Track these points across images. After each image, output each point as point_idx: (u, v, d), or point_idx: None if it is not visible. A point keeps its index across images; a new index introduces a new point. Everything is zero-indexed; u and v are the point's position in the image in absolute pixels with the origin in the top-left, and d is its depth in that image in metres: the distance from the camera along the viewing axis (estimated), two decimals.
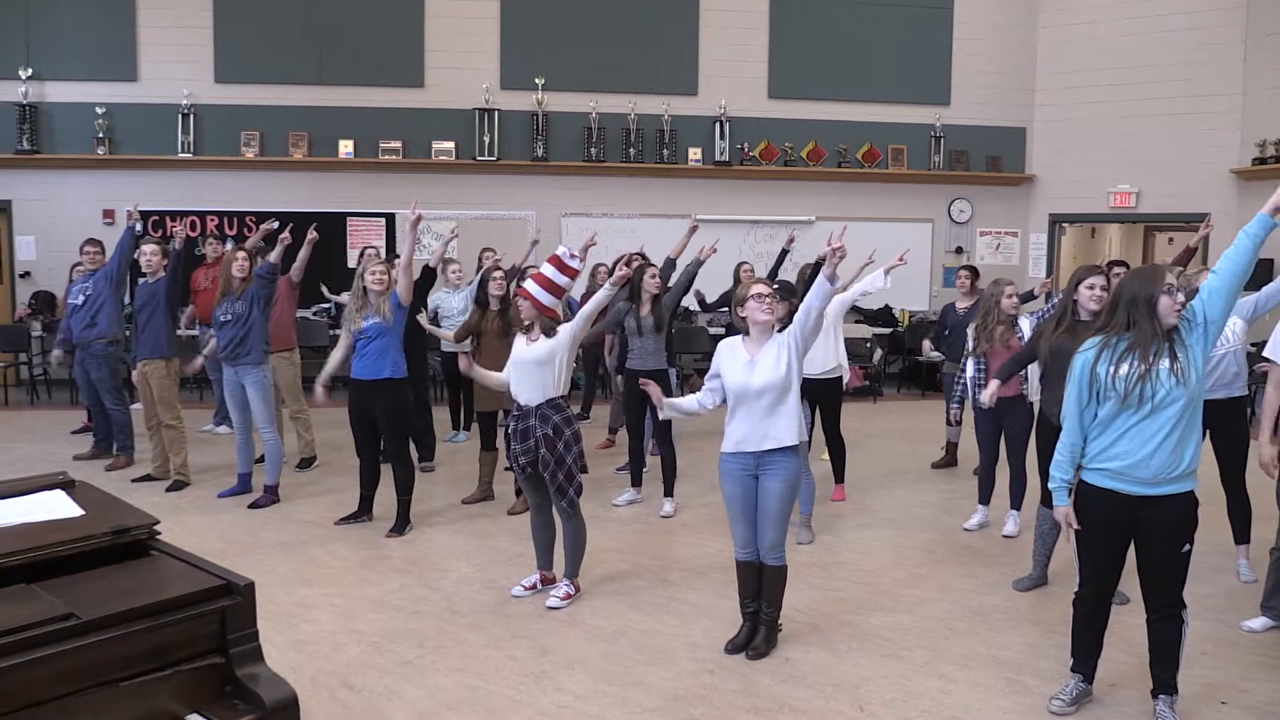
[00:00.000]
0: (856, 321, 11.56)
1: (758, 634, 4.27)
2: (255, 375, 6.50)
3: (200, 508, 6.45)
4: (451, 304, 8.18)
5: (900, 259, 6.65)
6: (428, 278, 7.45)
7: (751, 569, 4.27)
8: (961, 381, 5.93)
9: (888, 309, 11.78)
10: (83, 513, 2.60)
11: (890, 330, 11.58)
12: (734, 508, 4.22)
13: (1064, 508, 3.63)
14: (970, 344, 5.89)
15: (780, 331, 4.15)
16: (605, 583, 5.12)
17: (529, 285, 4.79)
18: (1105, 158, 11.64)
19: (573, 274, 4.85)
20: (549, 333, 4.73)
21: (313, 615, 4.67)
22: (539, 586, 4.94)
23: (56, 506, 2.61)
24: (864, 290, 6.44)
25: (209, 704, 2.30)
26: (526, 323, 4.78)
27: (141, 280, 7.11)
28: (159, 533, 2.61)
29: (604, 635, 4.46)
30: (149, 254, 6.99)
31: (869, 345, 11.06)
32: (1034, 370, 5.63)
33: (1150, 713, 3.63)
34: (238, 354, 6.44)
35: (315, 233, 6.86)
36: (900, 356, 11.64)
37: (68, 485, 2.77)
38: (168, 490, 6.82)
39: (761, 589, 4.26)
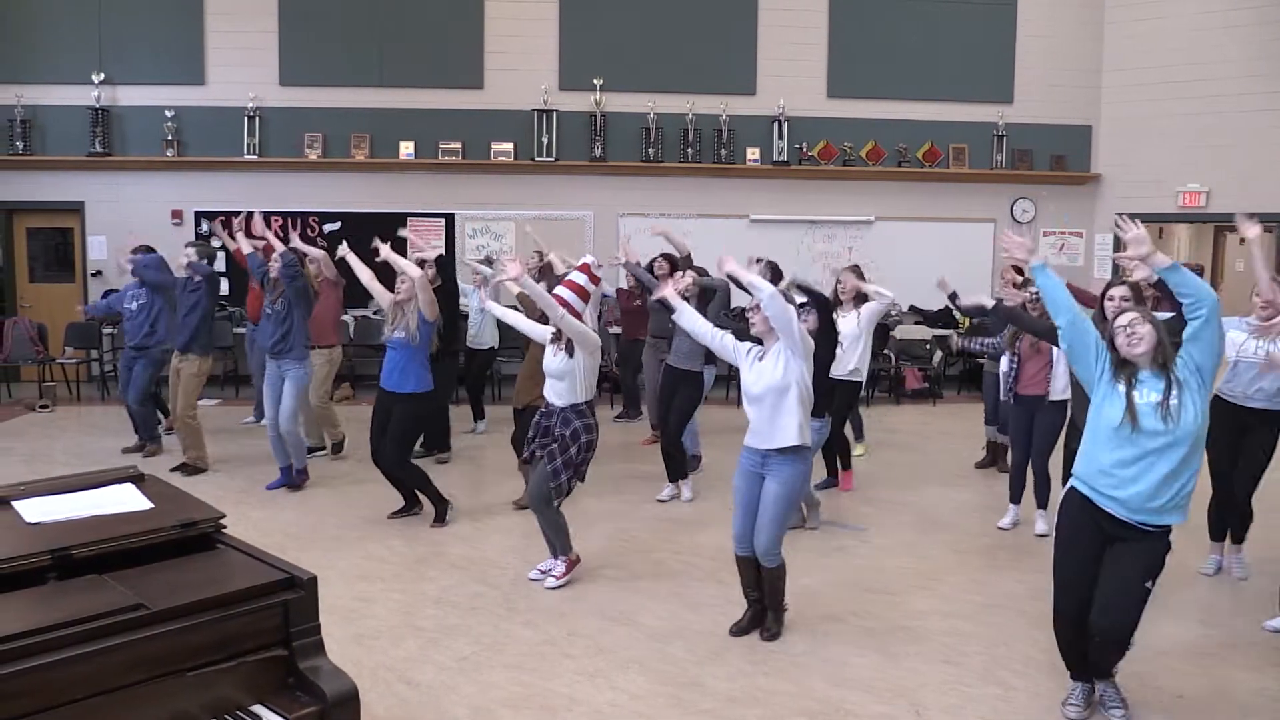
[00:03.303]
0: (916, 323, 11.42)
1: (765, 617, 4.45)
2: (297, 371, 6.74)
3: (263, 502, 6.58)
4: (473, 302, 8.31)
5: (942, 283, 6.77)
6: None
7: (748, 563, 4.46)
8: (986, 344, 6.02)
9: (948, 310, 11.60)
10: (151, 506, 2.66)
11: (950, 332, 11.41)
12: (738, 499, 4.42)
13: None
14: (1005, 337, 5.95)
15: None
16: (660, 583, 5.12)
17: (563, 292, 4.95)
18: (1174, 156, 11.36)
19: (598, 281, 5.18)
20: (569, 350, 4.89)
21: (372, 610, 4.73)
22: (552, 569, 5.16)
23: (127, 500, 2.68)
24: (880, 296, 6.46)
25: (272, 695, 2.35)
26: (556, 328, 4.93)
27: (185, 280, 7.32)
28: (224, 526, 2.66)
29: (659, 635, 4.46)
30: (190, 256, 7.28)
31: (928, 347, 10.93)
32: (1060, 371, 5.63)
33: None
34: (280, 349, 6.70)
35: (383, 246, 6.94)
36: (960, 358, 11.47)
37: (138, 479, 2.84)
38: (172, 470, 7.05)
39: (761, 586, 4.41)
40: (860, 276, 6.59)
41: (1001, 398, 6.14)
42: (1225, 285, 16.53)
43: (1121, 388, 3.41)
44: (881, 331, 10.73)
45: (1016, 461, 6.11)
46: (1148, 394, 3.38)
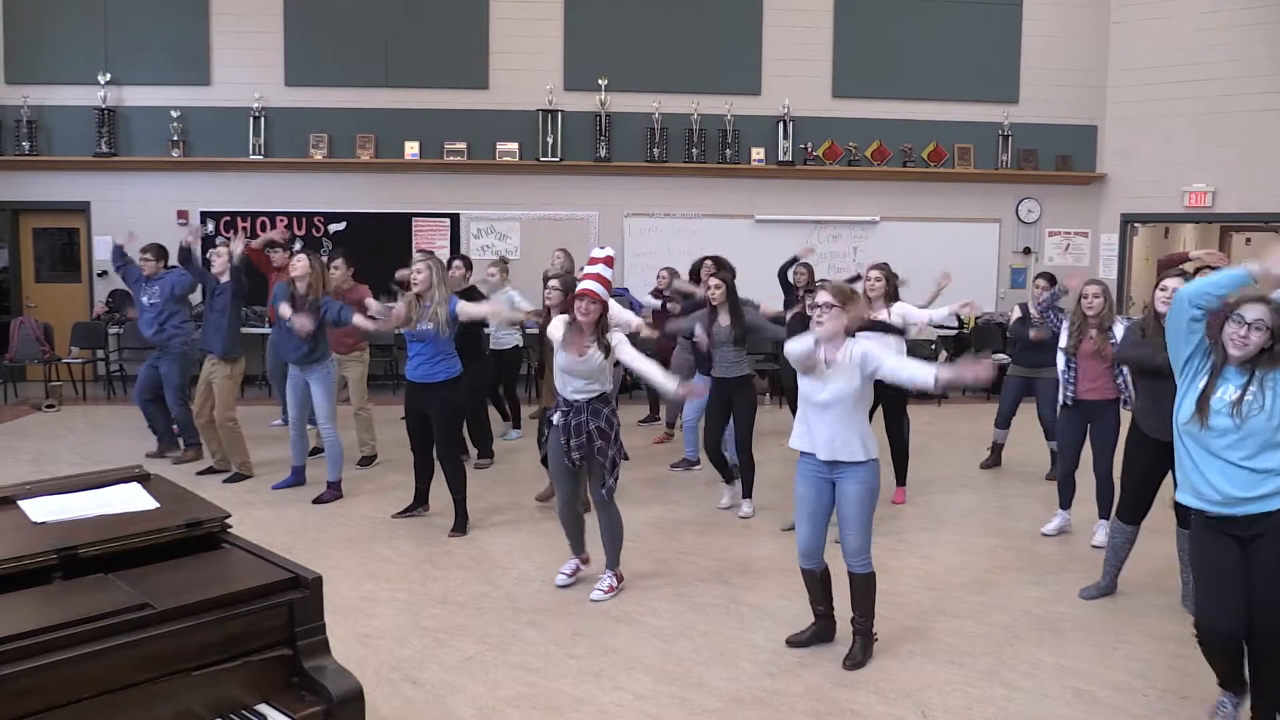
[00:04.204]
0: None
1: (832, 633, 4.23)
2: (321, 373, 6.65)
3: (268, 502, 6.58)
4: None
5: (967, 305, 6.63)
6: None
7: (814, 576, 4.26)
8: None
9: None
10: (157, 505, 2.67)
11: (956, 332, 11.41)
12: (802, 508, 4.19)
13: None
14: (1064, 340, 5.75)
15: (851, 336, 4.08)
16: (665, 583, 5.12)
17: (595, 287, 4.75)
18: (1180, 156, 11.34)
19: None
20: (603, 345, 4.72)
21: (377, 610, 4.73)
22: (580, 569, 5.09)
23: (133, 499, 2.68)
24: (932, 322, 6.45)
25: (277, 695, 2.35)
26: (587, 324, 4.72)
27: (213, 285, 7.27)
28: (230, 526, 2.67)
29: (664, 635, 4.46)
30: (218, 261, 7.18)
31: (934, 347, 10.91)
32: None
33: None
34: (309, 359, 6.59)
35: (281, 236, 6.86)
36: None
37: (143, 479, 2.85)
38: (226, 481, 7.00)
39: (852, 599, 4.19)
40: (890, 275, 6.43)
41: (1060, 401, 5.79)
42: None
43: (1201, 382, 3.30)
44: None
45: (1065, 471, 5.89)
46: (1227, 390, 3.27)
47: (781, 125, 11.36)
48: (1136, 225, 12.11)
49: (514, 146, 11.25)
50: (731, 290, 6.25)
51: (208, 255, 7.37)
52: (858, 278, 6.74)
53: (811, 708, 3.78)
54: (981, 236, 11.80)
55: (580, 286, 4.81)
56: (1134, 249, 12.17)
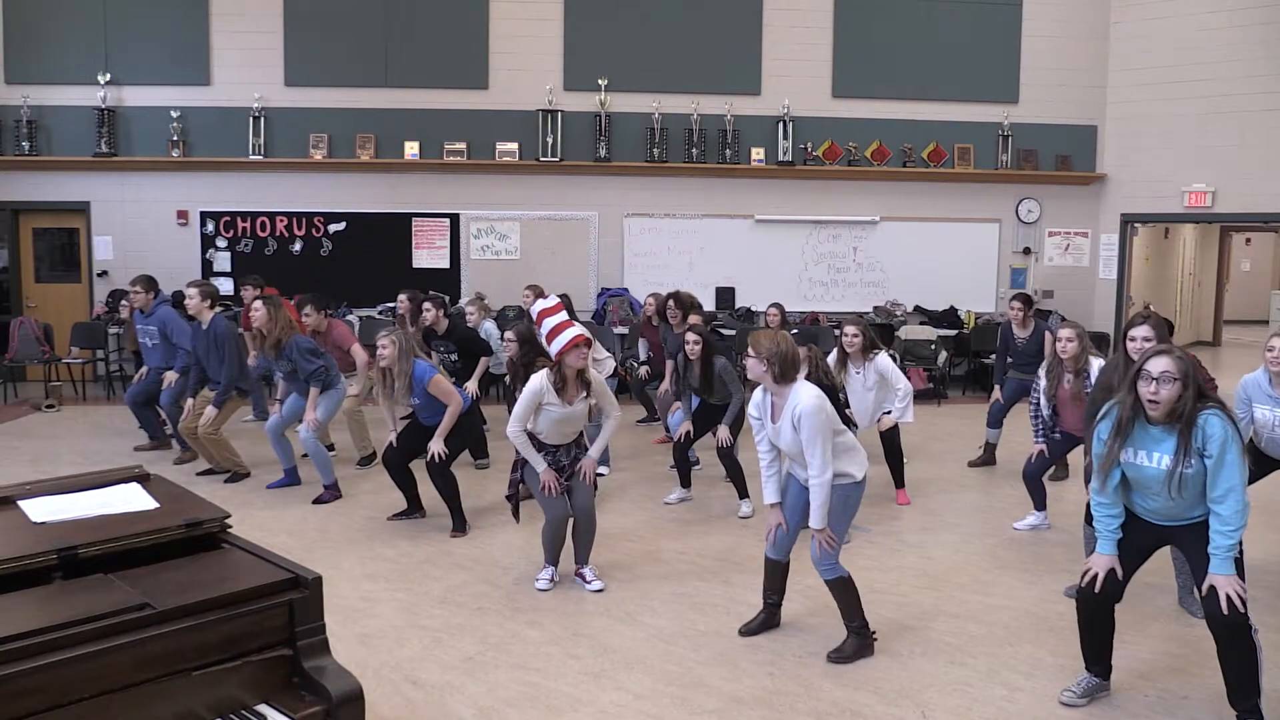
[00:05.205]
0: (921, 323, 11.42)
1: (778, 619, 4.37)
2: (335, 395, 6.78)
3: (268, 502, 6.58)
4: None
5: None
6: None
7: (776, 566, 4.43)
8: (1040, 417, 5.87)
9: (953, 310, 11.61)
10: (157, 505, 2.67)
11: (956, 332, 11.41)
12: (785, 502, 4.35)
13: (1106, 556, 3.61)
14: (1042, 384, 5.81)
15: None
16: (666, 584, 5.12)
17: (581, 330, 4.99)
18: (1179, 156, 11.33)
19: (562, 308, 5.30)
20: (584, 383, 4.98)
21: (376, 610, 4.73)
22: (557, 579, 5.10)
23: (133, 499, 2.68)
24: (900, 392, 6.50)
25: (277, 695, 2.35)
26: (579, 370, 4.96)
27: (194, 324, 7.18)
28: (230, 526, 2.67)
29: (664, 636, 4.46)
30: (193, 298, 7.03)
31: (933, 347, 10.91)
32: None
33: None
34: (324, 385, 6.68)
35: None
36: (965, 358, 11.46)
37: (143, 479, 2.85)
38: (226, 481, 7.00)
39: (837, 607, 4.23)
40: (866, 330, 6.54)
41: (1050, 435, 5.88)
42: (1231, 286, 16.51)
43: (1118, 448, 3.41)
44: (886, 332, 10.72)
45: (1035, 472, 5.98)
46: (1157, 458, 3.35)
47: (781, 125, 11.36)
48: (1136, 225, 12.11)
49: (514, 146, 11.25)
50: (707, 346, 6.49)
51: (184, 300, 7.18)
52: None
53: (811, 708, 3.78)
54: (981, 236, 11.80)
55: (574, 334, 4.94)
56: (1134, 249, 12.17)
